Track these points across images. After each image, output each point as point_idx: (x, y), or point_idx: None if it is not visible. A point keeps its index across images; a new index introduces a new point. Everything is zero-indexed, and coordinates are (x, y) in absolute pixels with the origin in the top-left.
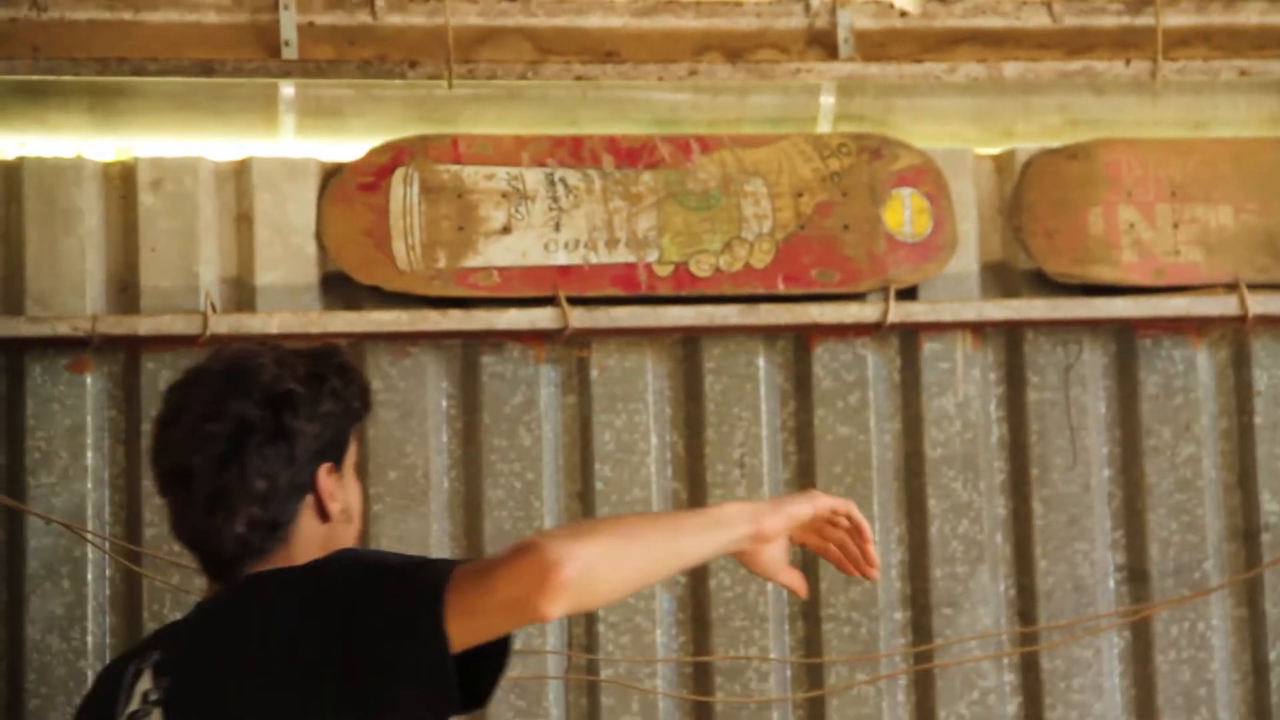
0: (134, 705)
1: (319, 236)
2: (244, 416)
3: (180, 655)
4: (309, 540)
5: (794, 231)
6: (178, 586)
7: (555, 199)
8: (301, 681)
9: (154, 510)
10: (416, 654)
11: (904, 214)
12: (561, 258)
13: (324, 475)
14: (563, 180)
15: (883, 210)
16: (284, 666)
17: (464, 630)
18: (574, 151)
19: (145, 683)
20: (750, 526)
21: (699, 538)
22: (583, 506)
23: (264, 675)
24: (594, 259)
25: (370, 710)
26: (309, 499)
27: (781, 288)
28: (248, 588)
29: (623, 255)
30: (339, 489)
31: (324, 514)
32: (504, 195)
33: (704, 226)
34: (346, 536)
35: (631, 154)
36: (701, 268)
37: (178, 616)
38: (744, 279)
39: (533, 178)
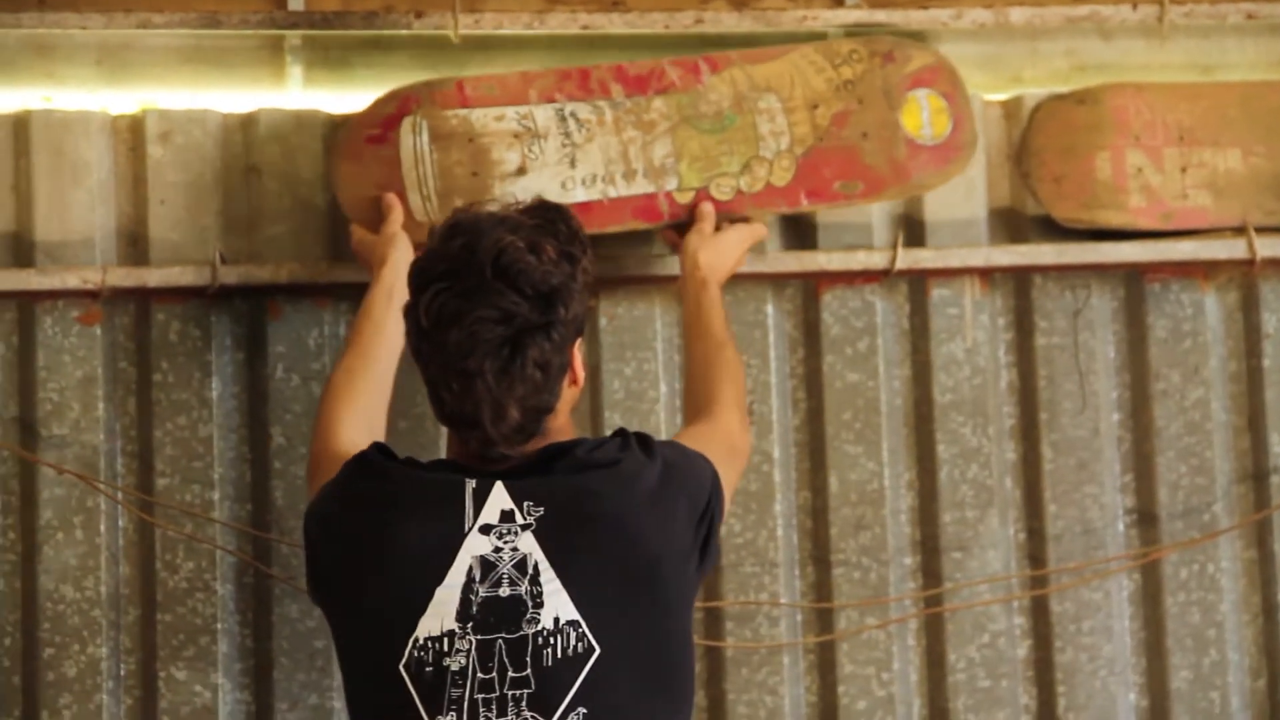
0: (489, 519)
1: (333, 192)
2: (521, 316)
3: (539, 490)
4: (565, 406)
5: (813, 145)
6: (191, 536)
7: (567, 134)
8: (684, 552)
9: (166, 461)
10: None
11: (922, 116)
12: (580, 194)
13: (578, 348)
14: (573, 114)
15: (900, 114)
16: (676, 544)
17: None
18: (582, 84)
19: (503, 500)
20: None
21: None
22: None
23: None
24: (613, 193)
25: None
26: (568, 375)
27: (805, 204)
28: (621, 461)
29: (641, 186)
30: (579, 358)
31: (574, 379)
32: (515, 136)
33: (721, 149)
34: (575, 397)
35: (640, 81)
36: (723, 191)
37: (190, 567)
38: (766, 199)
39: (543, 115)
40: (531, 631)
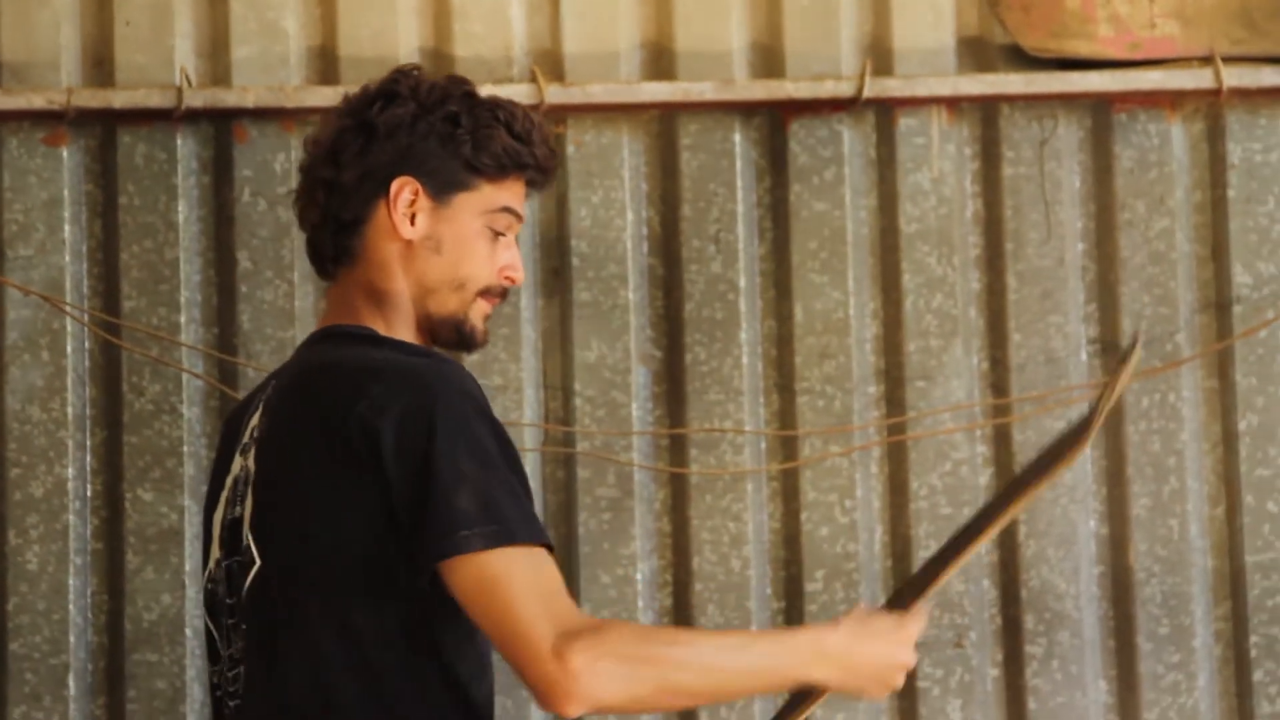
0: (245, 438)
1: None
2: (353, 109)
3: (276, 398)
4: (383, 255)
5: None
6: (157, 359)
7: None
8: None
9: (132, 284)
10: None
11: None
12: None
13: (401, 186)
14: None
15: None
16: (340, 483)
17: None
18: None
19: (258, 415)
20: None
21: (758, 681)
22: (559, 281)
23: (325, 478)
24: None
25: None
26: (382, 209)
27: None
28: (328, 357)
29: None
30: (429, 217)
31: (394, 229)
32: None
33: None
34: (433, 268)
35: None
36: None
37: (157, 389)
38: None
39: None
40: (241, 550)
